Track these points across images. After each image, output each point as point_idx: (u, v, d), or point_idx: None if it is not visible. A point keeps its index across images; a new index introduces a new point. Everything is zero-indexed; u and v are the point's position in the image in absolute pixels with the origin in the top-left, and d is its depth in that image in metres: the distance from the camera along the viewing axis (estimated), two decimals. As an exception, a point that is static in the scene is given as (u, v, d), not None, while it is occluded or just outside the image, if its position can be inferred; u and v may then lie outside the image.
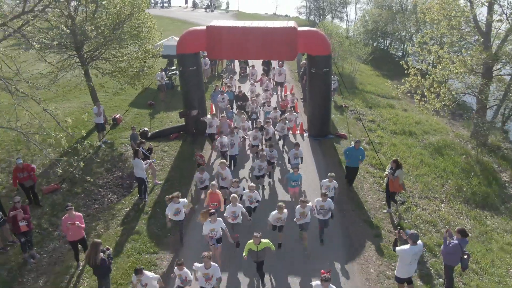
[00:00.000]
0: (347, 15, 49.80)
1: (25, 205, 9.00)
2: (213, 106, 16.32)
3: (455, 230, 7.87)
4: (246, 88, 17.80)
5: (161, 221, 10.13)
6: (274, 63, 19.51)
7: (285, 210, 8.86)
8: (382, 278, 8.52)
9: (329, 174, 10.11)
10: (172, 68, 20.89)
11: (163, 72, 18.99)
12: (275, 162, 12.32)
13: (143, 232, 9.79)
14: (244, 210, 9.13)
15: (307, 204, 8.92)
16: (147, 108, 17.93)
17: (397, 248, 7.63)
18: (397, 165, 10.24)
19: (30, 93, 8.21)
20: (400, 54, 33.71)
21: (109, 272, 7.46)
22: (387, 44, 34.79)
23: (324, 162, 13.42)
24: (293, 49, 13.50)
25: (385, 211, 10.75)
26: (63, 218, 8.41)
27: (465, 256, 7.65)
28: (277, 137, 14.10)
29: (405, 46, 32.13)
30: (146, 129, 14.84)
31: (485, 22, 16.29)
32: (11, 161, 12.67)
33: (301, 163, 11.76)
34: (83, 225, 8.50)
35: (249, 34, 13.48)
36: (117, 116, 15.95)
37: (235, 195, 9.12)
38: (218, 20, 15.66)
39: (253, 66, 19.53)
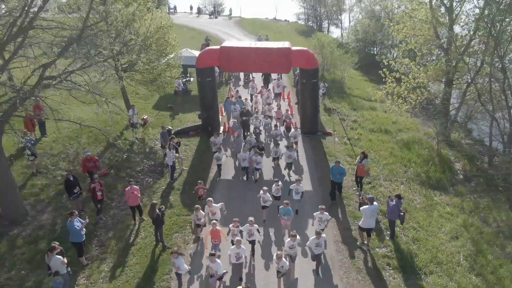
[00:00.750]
0: (341, 23, 53.45)
1: (101, 181, 12.65)
2: (223, 109, 19.96)
3: (394, 195, 11.58)
4: (246, 95, 21.47)
5: (189, 195, 13.81)
6: (273, 75, 23.13)
7: (298, 237, 10.04)
8: (348, 229, 12.19)
9: (320, 206, 11.08)
10: (187, 75, 24.49)
11: (179, 80, 22.63)
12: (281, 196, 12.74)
13: (178, 202, 13.46)
14: (247, 253, 9.95)
15: (297, 238, 10.03)
16: (167, 110, 21.59)
17: (361, 208, 11.35)
18: (364, 156, 13.90)
19: (102, 100, 11.88)
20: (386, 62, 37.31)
21: (162, 223, 11.13)
22: (376, 52, 38.42)
23: (312, 154, 17.09)
24: (288, 64, 17.19)
25: (354, 188, 14.42)
26: (126, 189, 12.10)
27: (401, 213, 11.34)
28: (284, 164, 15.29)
29: (392, 53, 35.72)
30: (170, 127, 18.48)
31: (446, 39, 19.92)
32: (68, 153, 16.32)
33: (301, 197, 12.55)
34: (139, 195, 12.17)
35: (253, 53, 17.13)
36: (145, 117, 19.61)
37: (240, 239, 9.69)
38: (229, 41, 19.35)
39: (253, 80, 22.76)
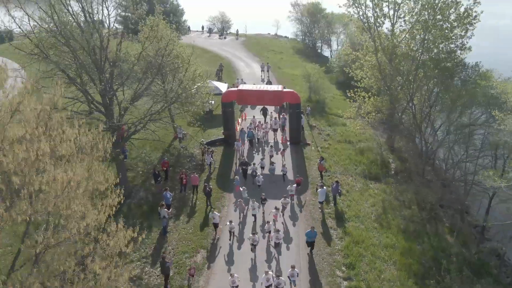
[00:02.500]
0: (331, 46, 63.49)
1: (184, 171, 22.62)
2: (239, 123, 29.82)
3: (335, 181, 21.58)
4: (252, 113, 31.39)
5: (220, 181, 23.75)
6: (271, 110, 32.32)
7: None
8: (313, 202, 22.16)
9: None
10: (210, 101, 34.26)
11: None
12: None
13: (215, 185, 23.38)
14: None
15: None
16: (198, 127, 31.49)
17: (318, 190, 21.34)
18: (322, 158, 23.88)
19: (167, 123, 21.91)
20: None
21: (210, 195, 21.10)
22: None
23: (295, 157, 27.02)
24: (280, 101, 27.29)
25: (318, 179, 24.34)
26: (191, 176, 22.06)
27: (339, 191, 21.31)
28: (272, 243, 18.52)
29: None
30: (203, 140, 28.42)
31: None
32: (141, 156, 26.25)
33: (298, 276, 15.86)
34: (198, 178, 22.16)
35: (258, 93, 27.12)
36: (185, 132, 29.55)
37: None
38: (243, 85, 29.28)
39: (253, 116, 31.25)
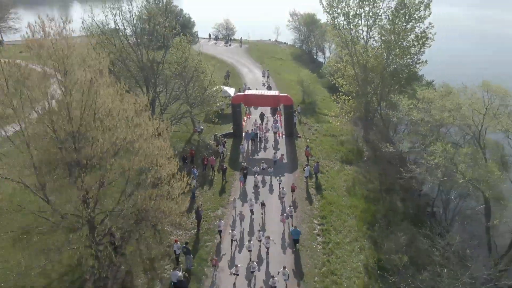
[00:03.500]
0: (324, 53, 71.58)
1: (205, 156, 30.78)
2: (245, 120, 37.94)
3: (316, 162, 29.73)
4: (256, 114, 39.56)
5: (232, 163, 31.84)
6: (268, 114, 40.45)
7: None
8: (301, 177, 30.27)
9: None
10: (221, 103, 42.44)
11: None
12: None
13: (228, 166, 31.47)
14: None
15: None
16: (212, 123, 39.59)
17: (304, 169, 29.47)
18: (307, 146, 32.08)
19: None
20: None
21: (225, 172, 29.20)
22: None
23: (289, 148, 35.11)
24: (277, 103, 35.46)
25: (305, 163, 32.42)
26: (209, 158, 30.20)
27: (319, 168, 29.45)
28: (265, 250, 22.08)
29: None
30: (216, 133, 36.52)
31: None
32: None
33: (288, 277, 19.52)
34: (215, 160, 30.30)
35: (260, 97, 35.31)
36: (202, 127, 37.65)
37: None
38: (248, 90, 37.52)
39: (255, 120, 39.53)
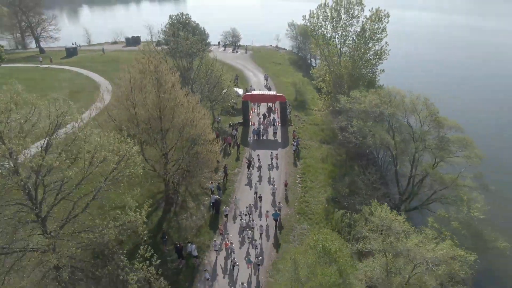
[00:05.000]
0: (315, 59, 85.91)
1: (225, 137, 45.26)
2: (251, 113, 52.45)
3: (297, 138, 44.24)
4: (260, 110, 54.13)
5: (244, 143, 46.31)
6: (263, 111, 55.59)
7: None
8: (289, 154, 44.74)
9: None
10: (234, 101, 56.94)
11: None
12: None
13: (241, 147, 45.88)
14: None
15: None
16: (227, 115, 54.03)
17: (292, 144, 43.99)
18: (294, 130, 46.64)
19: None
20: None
21: (239, 147, 43.64)
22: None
23: (283, 132, 49.57)
24: (275, 100, 50.01)
25: (293, 141, 46.90)
26: (227, 138, 44.67)
27: (298, 144, 43.92)
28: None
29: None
30: (231, 122, 50.96)
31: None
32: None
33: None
34: (231, 139, 44.79)
35: (262, 96, 49.91)
36: (220, 118, 52.09)
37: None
38: (255, 90, 52.23)
39: (259, 118, 54.55)
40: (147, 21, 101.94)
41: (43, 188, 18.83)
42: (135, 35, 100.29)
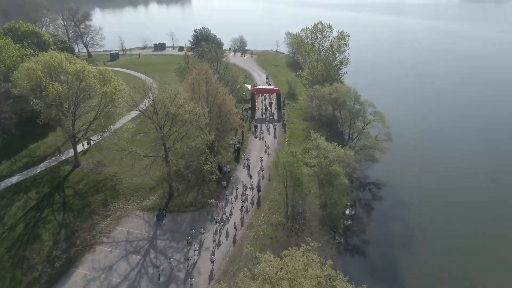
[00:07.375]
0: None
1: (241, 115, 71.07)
2: (256, 102, 78.17)
3: (283, 113, 70.08)
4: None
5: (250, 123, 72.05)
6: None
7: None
8: (281, 127, 70.49)
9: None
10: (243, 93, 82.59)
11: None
12: None
13: (251, 122, 71.49)
14: None
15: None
16: (240, 103, 79.59)
17: (282, 119, 69.85)
18: (284, 115, 72.34)
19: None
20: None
21: (250, 123, 69.30)
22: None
23: (278, 114, 75.24)
24: (273, 92, 75.88)
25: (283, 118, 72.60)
26: (242, 116, 70.47)
27: (286, 118, 69.73)
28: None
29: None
30: (244, 108, 76.61)
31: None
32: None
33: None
34: (245, 117, 70.59)
35: (265, 89, 75.91)
36: (236, 105, 77.72)
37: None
38: (259, 85, 78.35)
39: (262, 109, 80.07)
40: (170, 29, 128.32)
41: (169, 124, 44.86)
42: (161, 42, 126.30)
